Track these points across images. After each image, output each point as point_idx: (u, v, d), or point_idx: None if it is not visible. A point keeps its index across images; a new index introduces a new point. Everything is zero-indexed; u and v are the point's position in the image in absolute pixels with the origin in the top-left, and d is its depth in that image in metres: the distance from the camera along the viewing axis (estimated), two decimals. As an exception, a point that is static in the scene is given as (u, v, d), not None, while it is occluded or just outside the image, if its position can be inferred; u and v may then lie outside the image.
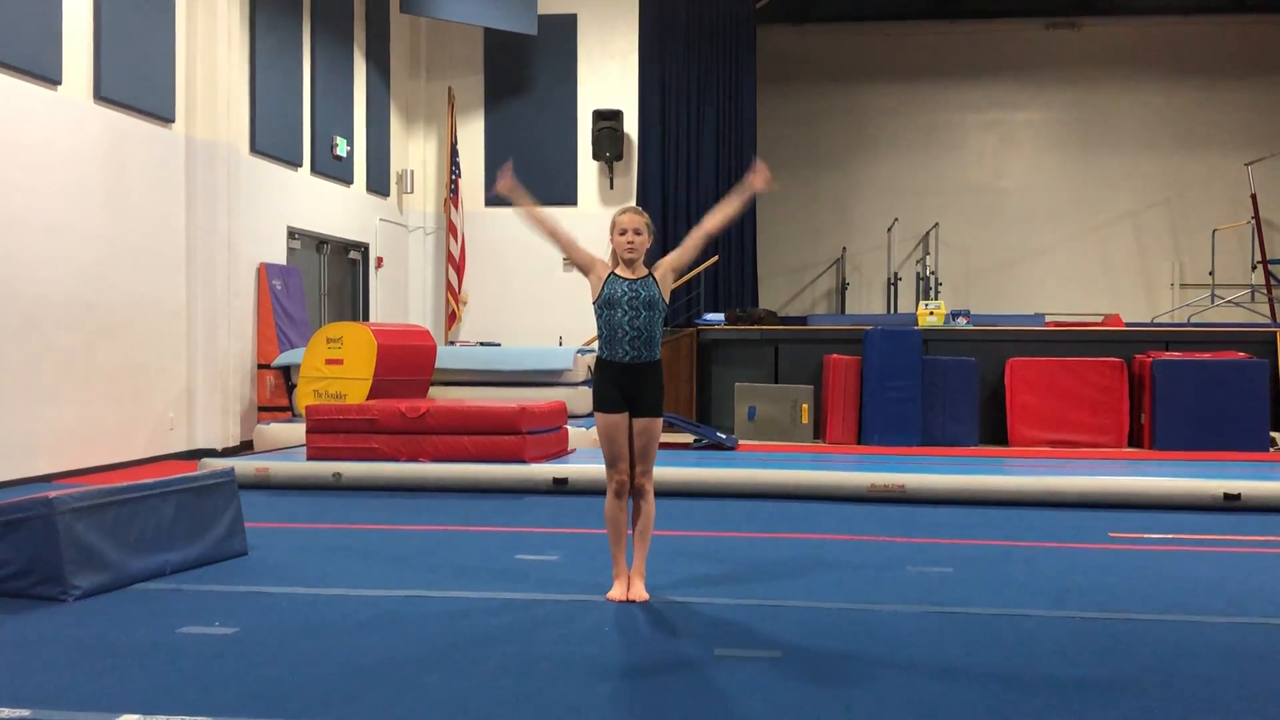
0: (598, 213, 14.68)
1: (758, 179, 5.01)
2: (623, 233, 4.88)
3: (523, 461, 8.23)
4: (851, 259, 16.44)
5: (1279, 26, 15.65)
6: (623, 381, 4.81)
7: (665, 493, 7.90)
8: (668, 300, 4.90)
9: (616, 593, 4.89)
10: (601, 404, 4.87)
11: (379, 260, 14.11)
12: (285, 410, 11.08)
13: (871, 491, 7.87)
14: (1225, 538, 6.57)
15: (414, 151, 15.11)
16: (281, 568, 5.58)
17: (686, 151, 14.56)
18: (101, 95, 9.25)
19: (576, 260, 4.98)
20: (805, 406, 11.54)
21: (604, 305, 4.85)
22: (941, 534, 6.69)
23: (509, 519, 7.11)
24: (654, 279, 4.89)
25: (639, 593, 4.87)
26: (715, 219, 5.01)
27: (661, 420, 4.88)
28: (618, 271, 4.90)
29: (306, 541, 6.35)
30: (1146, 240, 16.18)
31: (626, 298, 4.80)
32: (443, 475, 8.18)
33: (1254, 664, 4.04)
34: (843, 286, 16.37)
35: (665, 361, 13.03)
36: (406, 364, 10.30)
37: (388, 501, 7.79)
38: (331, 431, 8.51)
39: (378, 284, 14.13)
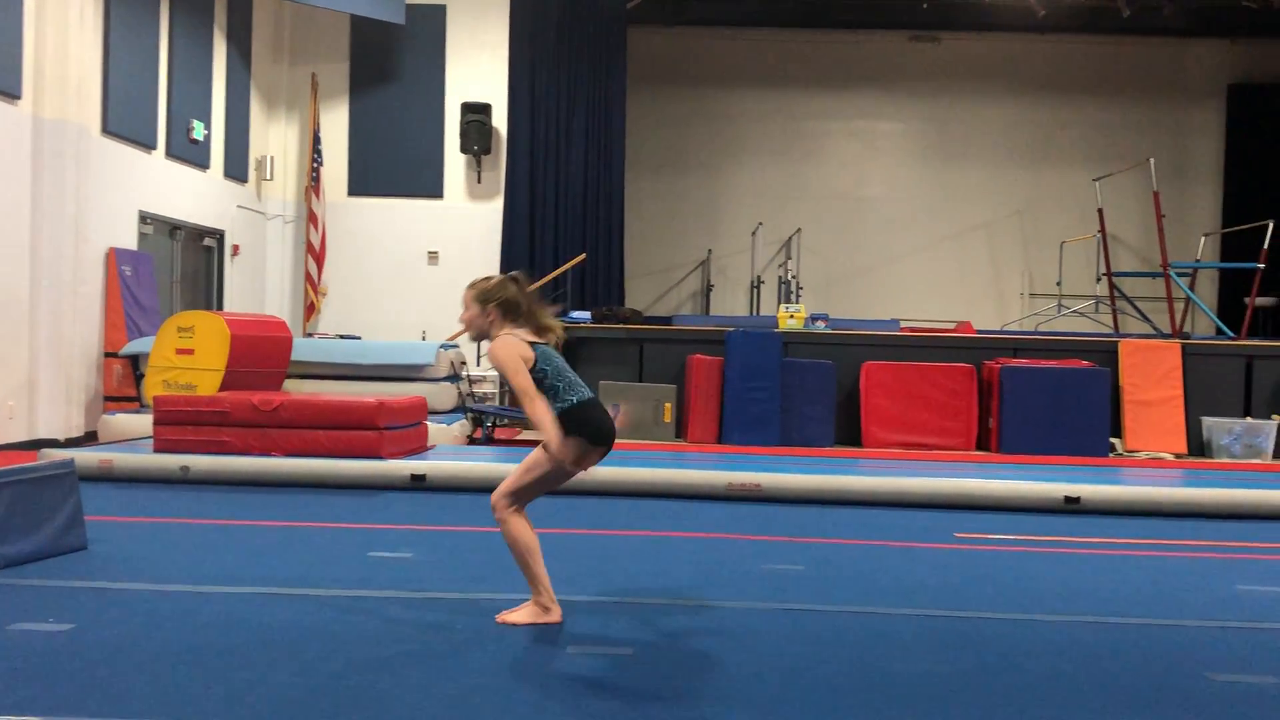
0: (464, 206, 14.58)
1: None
2: None
3: (380, 457, 8.11)
4: (717, 261, 16.61)
5: (1126, 48, 16.32)
6: None
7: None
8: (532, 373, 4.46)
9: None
10: None
11: (235, 248, 13.74)
12: (133, 401, 10.71)
13: (729, 490, 7.96)
14: (1064, 539, 6.82)
15: (275, 138, 14.76)
16: (122, 563, 5.39)
17: (555, 148, 14.53)
18: (-60, 67, 8.82)
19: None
20: (668, 405, 11.63)
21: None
22: (795, 533, 6.80)
23: (364, 516, 6.99)
24: None
25: (509, 616, 4.52)
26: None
27: (547, 454, 4.41)
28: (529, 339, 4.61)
29: (150, 536, 6.14)
30: (999, 251, 16.72)
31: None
32: (296, 470, 7.99)
33: (1088, 661, 4.21)
34: (708, 288, 16.52)
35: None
36: (261, 355, 10.05)
37: (238, 496, 7.58)
38: (180, 424, 8.24)
39: (233, 272, 13.76)
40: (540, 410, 4.42)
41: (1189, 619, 4.89)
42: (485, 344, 4.62)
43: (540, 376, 4.48)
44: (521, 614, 4.50)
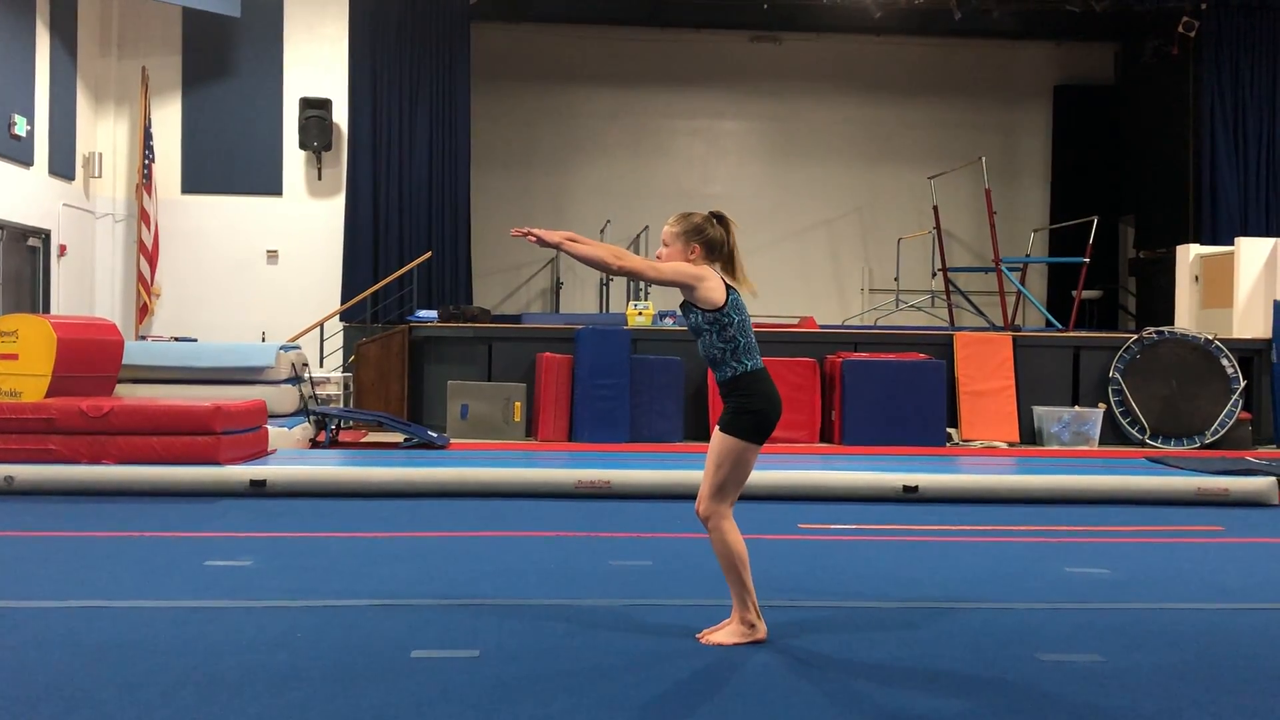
0: (305, 204, 14.24)
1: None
2: None
3: (217, 463, 7.86)
4: (566, 259, 16.56)
5: (958, 49, 16.85)
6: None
7: (372, 493, 7.76)
8: (710, 309, 4.25)
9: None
10: None
11: (62, 248, 13.15)
12: (-49, 409, 10.15)
13: (578, 488, 7.96)
14: (903, 527, 7.01)
15: (103, 133, 14.18)
16: (-63, 581, 5.10)
17: (399, 145, 14.28)
18: None
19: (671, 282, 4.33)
20: (518, 404, 11.56)
21: None
22: (644, 528, 6.84)
23: (200, 524, 6.76)
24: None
25: (713, 632, 4.33)
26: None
27: (730, 438, 4.24)
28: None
29: (-31, 552, 5.83)
30: (840, 247, 17.10)
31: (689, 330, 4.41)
32: (128, 478, 7.69)
33: (921, 645, 4.33)
34: (557, 286, 16.49)
35: (374, 360, 12.71)
36: (90, 359, 9.63)
37: (67, 507, 7.26)
38: (3, 432, 7.85)
39: (60, 274, 13.17)
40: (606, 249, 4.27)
41: (1020, 601, 5.08)
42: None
43: (727, 323, 4.26)
44: (726, 634, 4.29)
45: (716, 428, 4.33)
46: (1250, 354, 12.21)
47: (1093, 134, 16.90)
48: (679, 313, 4.31)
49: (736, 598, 4.31)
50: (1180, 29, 14.49)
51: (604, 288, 16.10)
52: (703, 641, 4.29)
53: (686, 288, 4.27)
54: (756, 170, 17.04)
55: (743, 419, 4.25)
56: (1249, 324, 12.51)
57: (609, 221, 15.95)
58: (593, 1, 15.76)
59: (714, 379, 4.43)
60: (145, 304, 13.92)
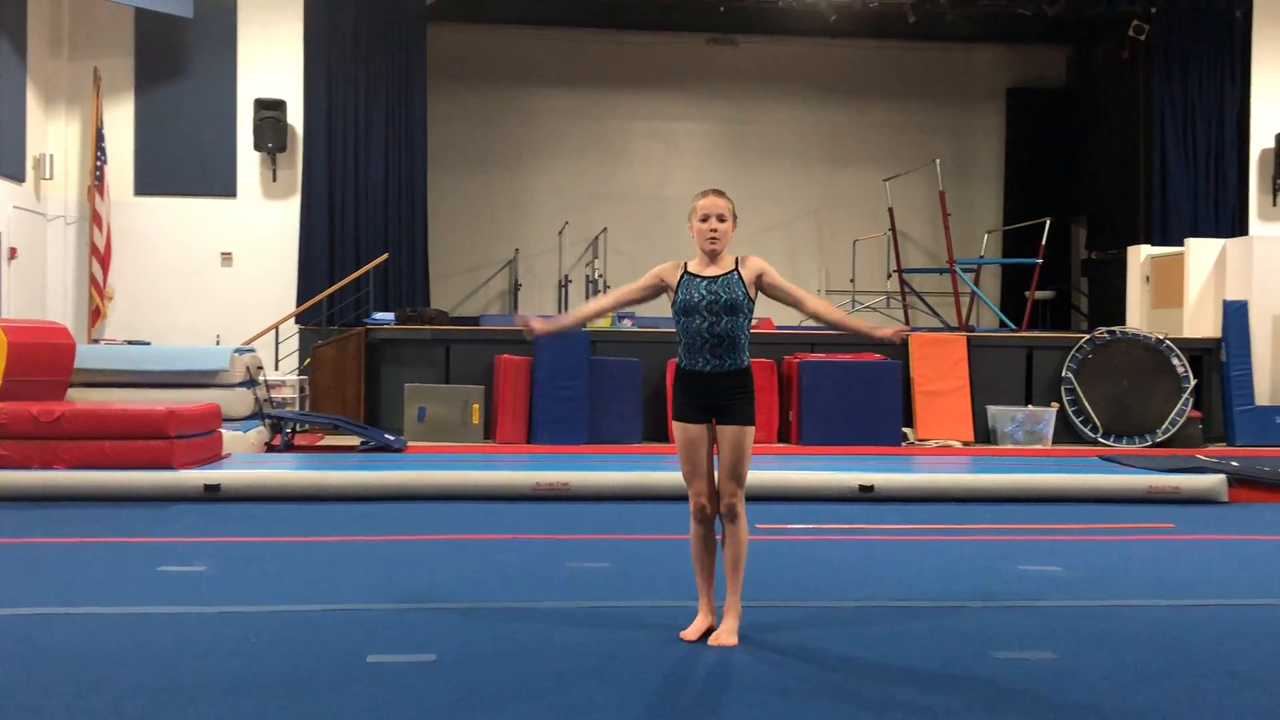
0: (259, 205, 14.13)
1: (893, 334, 4.47)
2: (704, 219, 4.36)
3: (171, 468, 7.78)
4: (524, 260, 16.56)
5: (913, 52, 16.98)
6: (703, 391, 4.37)
7: (328, 497, 7.72)
8: (754, 298, 4.40)
9: (690, 630, 4.35)
10: (679, 413, 4.46)
11: (12, 251, 12.98)
12: (-103, 415, 9.98)
13: (537, 490, 7.95)
14: (859, 526, 7.05)
15: (54, 135, 14.00)
16: (-117, 590, 5.02)
17: (354, 146, 14.21)
18: None
19: (645, 298, 4.54)
20: (476, 407, 11.53)
21: (681, 312, 4.35)
22: (602, 530, 6.85)
23: (154, 529, 6.69)
24: (739, 276, 4.36)
25: (724, 635, 4.28)
26: (835, 316, 4.57)
27: (748, 428, 4.37)
28: (692, 268, 4.40)
29: (-84, 560, 5.75)
30: (796, 248, 17.18)
31: (705, 302, 4.30)
32: (80, 484, 7.60)
33: (877, 644, 4.36)
34: (515, 287, 16.46)
35: (330, 362, 12.60)
36: (41, 363, 9.51)
37: (17, 513, 7.16)
38: (-48, 438, 7.75)
39: (10, 277, 13.00)
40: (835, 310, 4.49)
41: (975, 600, 5.12)
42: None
43: (751, 310, 4.43)
44: (731, 631, 4.31)
45: (733, 424, 4.37)
46: (1200, 353, 12.39)
47: (1045, 136, 17.09)
48: (698, 293, 4.37)
49: (735, 590, 4.39)
50: (1131, 33, 14.70)
51: (562, 289, 16.08)
52: (714, 645, 4.25)
53: (768, 291, 4.49)
54: (714, 172, 17.03)
55: (752, 407, 4.42)
56: (1199, 324, 12.69)
57: (567, 223, 15.94)
58: (550, 3, 15.74)
59: (700, 368, 4.40)
60: (98, 307, 13.77)
